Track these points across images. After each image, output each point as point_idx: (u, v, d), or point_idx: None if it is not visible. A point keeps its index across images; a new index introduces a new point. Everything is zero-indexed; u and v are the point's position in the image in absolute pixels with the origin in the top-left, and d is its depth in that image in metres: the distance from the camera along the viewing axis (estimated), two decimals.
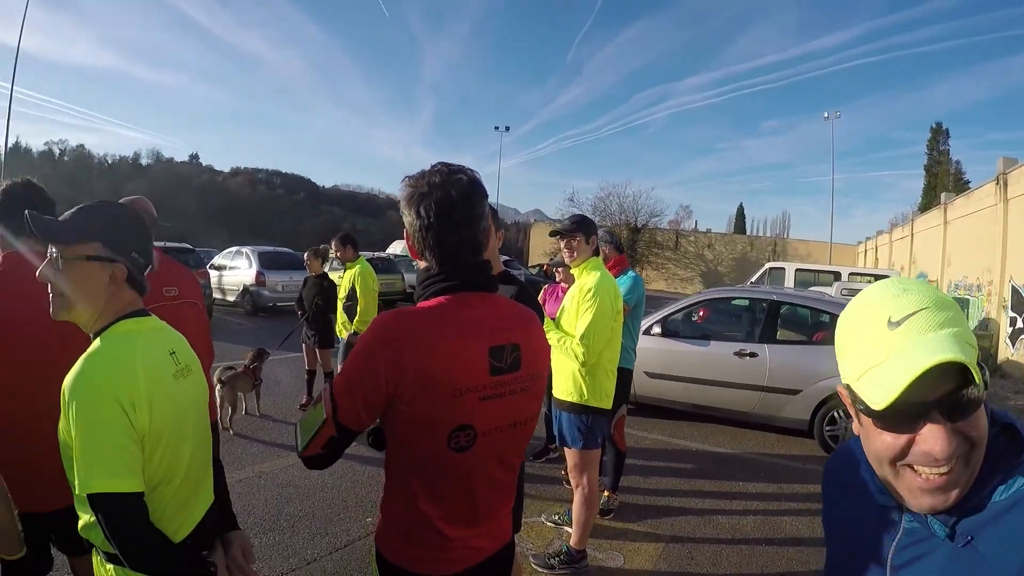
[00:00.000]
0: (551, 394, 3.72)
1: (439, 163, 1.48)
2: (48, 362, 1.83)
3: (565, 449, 3.67)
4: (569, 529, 3.94)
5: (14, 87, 28.37)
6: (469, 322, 1.46)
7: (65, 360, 1.46)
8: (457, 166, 1.48)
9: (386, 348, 1.38)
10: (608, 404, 3.63)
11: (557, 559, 3.68)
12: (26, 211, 1.47)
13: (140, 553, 1.37)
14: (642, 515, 4.58)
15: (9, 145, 40.89)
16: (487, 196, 1.51)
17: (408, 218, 1.48)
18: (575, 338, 3.45)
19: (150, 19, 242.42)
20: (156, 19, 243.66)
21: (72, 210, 1.52)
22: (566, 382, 3.61)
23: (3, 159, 34.89)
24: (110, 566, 1.46)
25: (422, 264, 1.53)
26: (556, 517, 4.36)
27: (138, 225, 1.58)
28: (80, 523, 1.47)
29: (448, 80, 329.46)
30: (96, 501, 1.33)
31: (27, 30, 28.45)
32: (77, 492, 1.36)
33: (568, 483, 4.22)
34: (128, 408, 1.37)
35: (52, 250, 1.46)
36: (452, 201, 1.42)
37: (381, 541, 1.57)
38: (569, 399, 3.59)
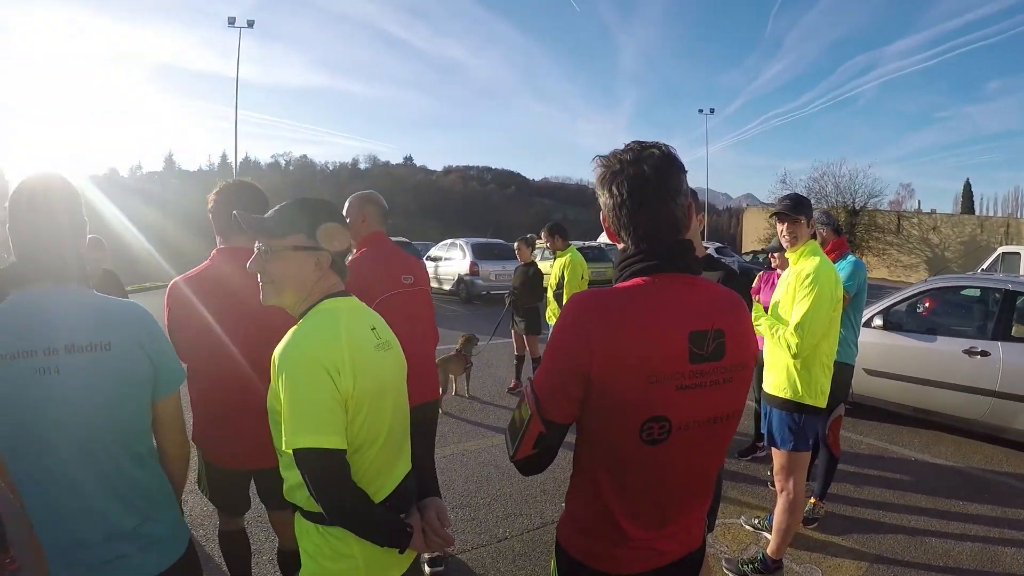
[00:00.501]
0: (762, 388, 3.49)
1: (633, 141, 1.42)
2: (246, 346, 2.21)
3: (773, 449, 3.40)
4: (768, 535, 3.65)
5: (238, 111, 33.44)
6: (667, 304, 1.36)
7: (262, 342, 1.66)
8: (651, 142, 1.40)
9: (576, 331, 1.32)
10: (823, 402, 3.31)
11: (751, 566, 3.43)
12: (233, 212, 1.64)
13: (341, 507, 1.46)
14: (848, 528, 4.09)
15: (240, 160, 47.90)
16: (684, 171, 1.41)
17: (602, 198, 1.43)
18: (789, 327, 3.20)
19: (354, 40, 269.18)
20: (360, 40, 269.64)
21: (276, 207, 1.66)
22: (779, 376, 3.34)
23: (235, 172, 41.31)
24: (311, 524, 1.58)
25: (620, 246, 1.46)
26: (756, 521, 4.06)
27: (337, 216, 1.69)
28: (285, 486, 1.59)
29: (646, 67, 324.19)
30: (302, 456, 1.43)
31: (244, 61, 34.01)
32: (284, 449, 1.47)
33: (773, 485, 3.96)
34: (333, 373, 1.47)
35: (259, 244, 1.60)
36: (644, 176, 1.35)
37: (562, 531, 1.55)
38: (781, 395, 3.32)
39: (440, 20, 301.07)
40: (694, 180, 1.67)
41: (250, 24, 35.82)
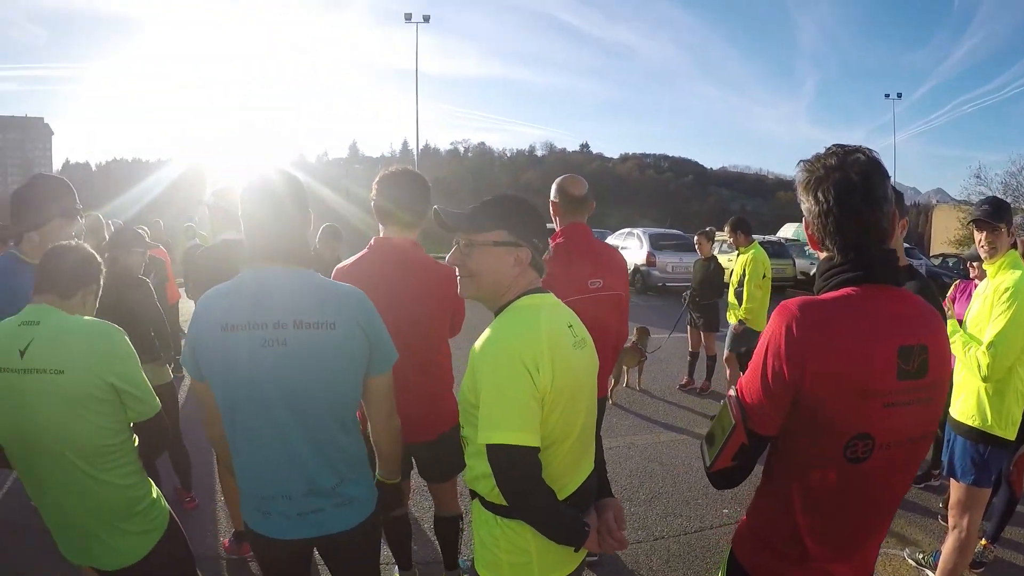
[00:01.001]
0: (947, 412, 3.14)
1: (834, 145, 1.39)
2: (400, 330, 2.23)
3: (951, 481, 3.06)
4: (931, 574, 3.31)
5: (418, 101, 35.37)
6: (877, 318, 1.33)
7: (409, 329, 1.72)
8: (853, 147, 1.37)
9: (788, 342, 1.31)
10: (1012, 434, 2.94)
11: None
12: (435, 207, 1.70)
13: (527, 502, 1.48)
14: None
15: (420, 147, 50.64)
16: (888, 177, 1.37)
17: (806, 204, 1.41)
18: (981, 346, 2.86)
19: (526, 29, 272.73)
20: (532, 29, 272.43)
21: (478, 203, 1.70)
22: (968, 401, 3.00)
23: (416, 159, 43.64)
24: (489, 514, 1.62)
25: (823, 254, 1.43)
26: (920, 556, 3.62)
27: (536, 214, 1.71)
28: (469, 474, 1.67)
29: (826, 47, 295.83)
30: (495, 452, 1.45)
31: (422, 54, 36.31)
32: (477, 442, 1.50)
33: (945, 520, 3.59)
34: (532, 369, 1.47)
35: (459, 238, 1.66)
36: (851, 183, 1.32)
37: (739, 541, 1.54)
38: (968, 422, 2.98)
39: (610, 4, 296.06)
40: None
41: (426, 19, 38.02)
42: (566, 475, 1.63)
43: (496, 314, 1.66)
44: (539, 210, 1.76)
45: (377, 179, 2.58)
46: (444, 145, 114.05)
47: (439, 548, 3.11)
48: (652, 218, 65.42)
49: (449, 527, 3.00)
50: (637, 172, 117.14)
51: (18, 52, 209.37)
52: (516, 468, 1.45)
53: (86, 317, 1.99)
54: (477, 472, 1.61)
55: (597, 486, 1.82)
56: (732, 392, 1.44)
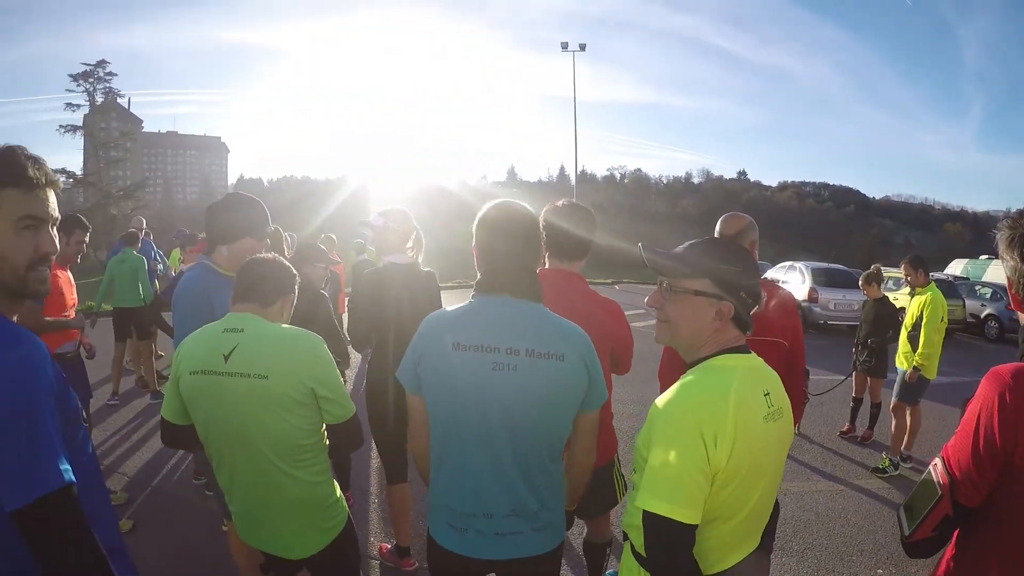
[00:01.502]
0: None
1: None
2: None
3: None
4: None
5: (577, 128, 35.68)
6: None
7: None
8: None
9: (1001, 411, 1.24)
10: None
11: None
12: (639, 244, 1.66)
13: (668, 573, 1.40)
14: None
15: (578, 173, 50.95)
16: None
17: (1010, 263, 1.33)
18: None
19: (679, 55, 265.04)
20: (684, 54, 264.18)
21: (686, 244, 1.62)
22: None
23: (574, 185, 43.64)
24: (634, 562, 1.57)
25: None
26: None
27: (748, 265, 1.58)
28: (626, 519, 1.60)
29: (993, 65, 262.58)
30: (650, 519, 1.38)
31: (577, 81, 36.72)
32: (636, 504, 1.43)
33: None
34: (709, 442, 1.37)
35: (662, 279, 1.60)
36: None
37: None
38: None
39: (763, 27, 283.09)
40: None
41: (582, 47, 38.15)
42: (724, 552, 1.52)
43: (688, 367, 1.58)
44: (751, 260, 1.64)
45: (546, 210, 2.55)
46: (600, 171, 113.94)
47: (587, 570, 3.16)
48: (811, 249, 61.77)
49: (598, 552, 3.03)
50: (796, 201, 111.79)
51: (198, 77, 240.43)
52: (666, 539, 1.38)
53: (285, 325, 2.12)
54: (633, 521, 1.50)
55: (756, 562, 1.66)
56: (938, 461, 1.38)
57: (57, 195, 1.32)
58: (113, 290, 7.15)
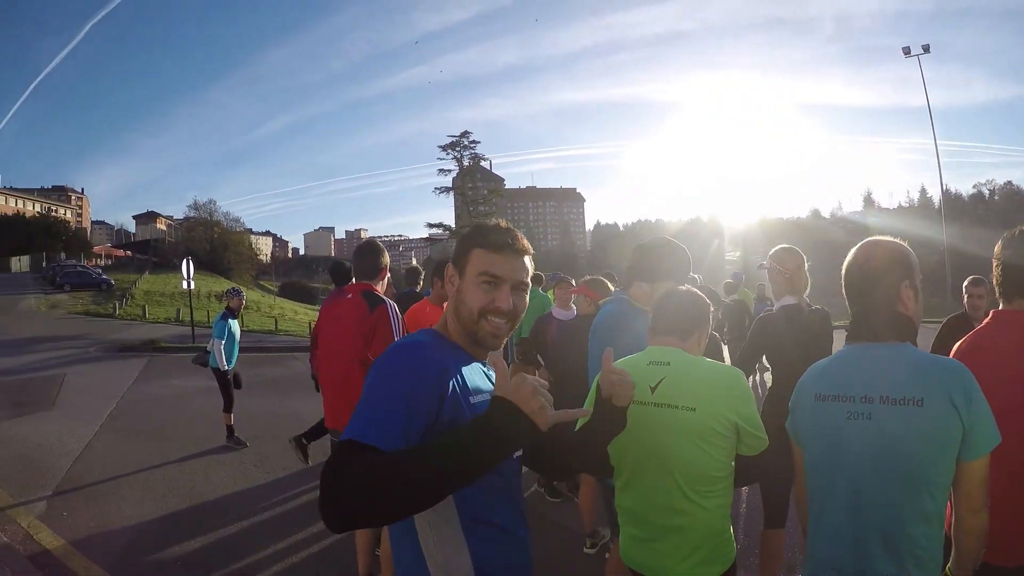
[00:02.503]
0: None
1: None
2: None
3: None
4: None
5: (937, 141, 31.93)
6: None
7: None
8: None
9: None
10: None
11: None
12: None
13: None
14: None
15: (942, 191, 46.40)
16: None
17: None
18: None
19: None
20: None
21: None
22: None
23: (941, 207, 39.64)
24: None
25: None
26: None
27: None
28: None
29: None
30: None
31: (917, 89, 32.80)
32: None
33: None
34: None
35: None
36: None
37: None
38: None
39: None
40: None
41: (925, 50, 34.95)
42: None
43: None
44: None
45: (1003, 240, 2.14)
46: (966, 188, 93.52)
47: None
48: None
49: None
50: None
51: (548, 136, 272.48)
52: None
53: (708, 359, 2.18)
54: None
55: None
56: None
57: (528, 263, 1.55)
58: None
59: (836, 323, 3.48)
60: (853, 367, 1.75)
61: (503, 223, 1.57)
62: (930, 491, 1.62)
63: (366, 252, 3.82)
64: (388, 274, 3.91)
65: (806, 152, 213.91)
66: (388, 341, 3.28)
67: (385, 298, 3.59)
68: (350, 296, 3.69)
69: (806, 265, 3.36)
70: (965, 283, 4.69)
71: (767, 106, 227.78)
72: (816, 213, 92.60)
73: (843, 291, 1.83)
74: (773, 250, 3.43)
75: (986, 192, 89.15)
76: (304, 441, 5.82)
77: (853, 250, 1.85)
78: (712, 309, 2.31)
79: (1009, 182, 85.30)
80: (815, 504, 1.81)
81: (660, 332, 2.21)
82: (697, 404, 2.01)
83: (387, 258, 3.85)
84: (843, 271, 1.83)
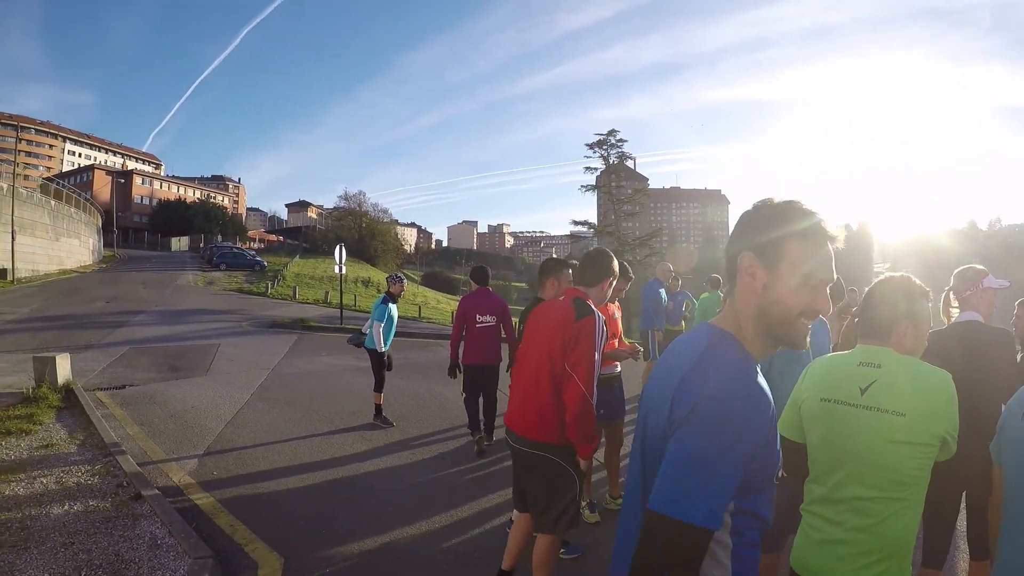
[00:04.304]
0: None
1: None
2: None
3: None
4: None
5: None
6: None
7: None
8: None
9: None
10: None
11: None
12: None
13: None
14: None
15: None
16: None
17: None
18: None
19: None
20: None
21: None
22: None
23: None
24: None
25: None
26: None
27: None
28: None
29: None
30: None
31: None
32: None
33: None
34: None
35: None
36: None
37: None
38: None
39: None
40: None
41: None
42: None
43: None
44: None
45: None
46: None
47: None
48: None
49: None
50: None
51: (693, 136, 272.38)
52: None
53: (921, 362, 2.05)
54: None
55: None
56: None
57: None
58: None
59: None
60: None
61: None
62: None
63: (587, 261, 3.52)
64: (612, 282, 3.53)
65: (962, 156, 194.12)
66: (588, 356, 3.11)
67: (595, 310, 3.28)
68: (562, 299, 3.46)
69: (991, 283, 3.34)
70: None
71: (919, 106, 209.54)
72: (973, 225, 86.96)
73: None
74: (958, 269, 3.40)
75: None
76: (486, 443, 6.39)
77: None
78: (928, 292, 2.14)
79: None
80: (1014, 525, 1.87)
81: (864, 332, 2.14)
82: (908, 411, 1.93)
83: (614, 266, 3.51)
84: None
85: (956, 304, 3.36)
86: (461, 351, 6.52)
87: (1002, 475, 1.93)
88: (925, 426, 1.91)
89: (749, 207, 1.41)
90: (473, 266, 7.03)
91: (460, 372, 6.53)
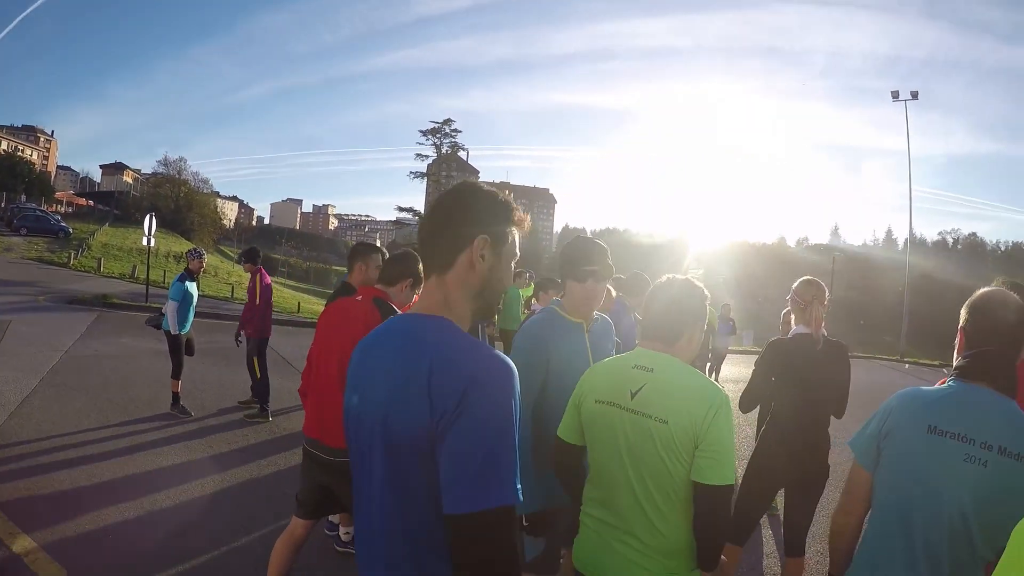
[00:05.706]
0: None
1: None
2: None
3: None
4: None
5: (911, 186, 32.74)
6: None
7: None
8: None
9: None
10: None
11: None
12: None
13: None
14: None
15: (910, 235, 47.13)
16: None
17: None
18: None
19: (1018, 96, 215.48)
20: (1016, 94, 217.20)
21: None
22: None
23: (906, 250, 40.26)
24: None
25: None
26: None
27: None
28: None
29: None
30: None
31: (901, 133, 34.00)
32: None
33: None
34: None
35: None
36: None
37: None
38: None
39: None
40: None
41: (914, 96, 35.54)
42: None
43: None
44: None
45: None
46: (931, 235, 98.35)
47: None
48: None
49: None
50: None
51: (528, 135, 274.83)
52: None
53: (698, 373, 2.01)
54: None
55: None
56: None
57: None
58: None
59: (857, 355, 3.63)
60: (973, 410, 1.73)
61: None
62: (982, 545, 1.67)
63: (392, 259, 3.53)
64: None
65: (779, 180, 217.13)
66: None
67: (398, 311, 3.17)
68: (360, 299, 3.36)
69: (826, 298, 3.48)
70: None
71: (747, 131, 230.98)
72: (783, 241, 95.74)
73: (962, 326, 1.84)
74: (797, 281, 3.58)
75: (950, 240, 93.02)
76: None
77: (986, 292, 1.85)
78: (708, 298, 2.14)
79: (974, 233, 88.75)
80: (890, 539, 1.79)
81: (646, 335, 2.09)
82: (669, 417, 1.88)
83: (418, 269, 3.40)
84: (974, 309, 1.83)
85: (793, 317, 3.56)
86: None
87: (868, 481, 1.86)
88: (684, 436, 1.85)
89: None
90: (246, 248, 6.95)
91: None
